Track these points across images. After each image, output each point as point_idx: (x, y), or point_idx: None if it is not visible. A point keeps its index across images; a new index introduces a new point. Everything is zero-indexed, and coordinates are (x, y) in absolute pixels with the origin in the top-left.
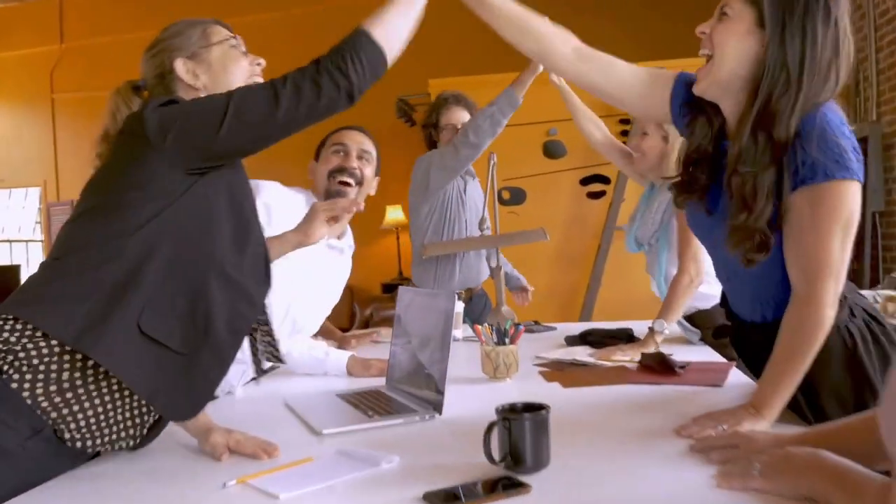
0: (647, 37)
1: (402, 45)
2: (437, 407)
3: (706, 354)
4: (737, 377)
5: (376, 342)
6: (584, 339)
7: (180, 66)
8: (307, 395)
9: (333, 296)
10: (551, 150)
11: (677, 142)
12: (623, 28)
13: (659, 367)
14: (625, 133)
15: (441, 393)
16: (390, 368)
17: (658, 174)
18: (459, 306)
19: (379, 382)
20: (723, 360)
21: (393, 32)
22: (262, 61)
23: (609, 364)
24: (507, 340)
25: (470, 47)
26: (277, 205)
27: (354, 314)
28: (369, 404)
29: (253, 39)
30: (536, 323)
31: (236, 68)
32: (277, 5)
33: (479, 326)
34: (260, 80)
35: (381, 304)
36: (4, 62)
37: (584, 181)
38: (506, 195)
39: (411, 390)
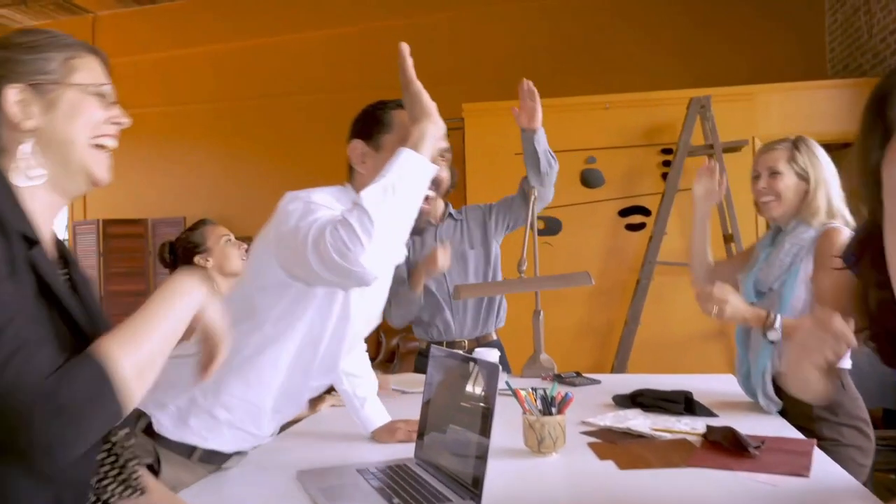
0: (697, 64)
1: (153, 374)
2: (476, 497)
3: (779, 426)
4: (822, 462)
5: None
6: (635, 400)
7: (12, 95)
8: (324, 470)
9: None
10: (589, 179)
11: (823, 180)
12: (674, 55)
13: (728, 445)
14: (667, 164)
15: (480, 485)
16: (420, 436)
17: (798, 218)
18: (494, 354)
19: (406, 449)
20: (797, 434)
21: (141, 364)
22: (127, 121)
23: (668, 436)
24: (553, 410)
25: (503, 72)
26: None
27: (380, 343)
28: (395, 487)
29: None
30: (578, 374)
31: (85, 122)
32: (314, 25)
33: (522, 392)
34: (111, 142)
35: (407, 334)
36: None
37: (623, 212)
38: (540, 225)
39: (444, 464)
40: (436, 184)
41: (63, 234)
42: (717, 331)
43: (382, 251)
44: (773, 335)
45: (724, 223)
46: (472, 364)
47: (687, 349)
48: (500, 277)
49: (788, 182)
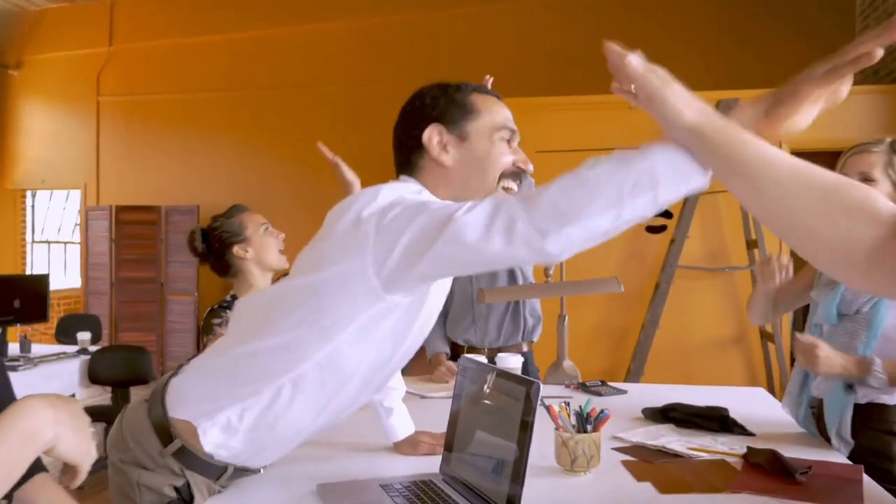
0: (723, 65)
1: None
2: None
3: (821, 450)
4: (872, 490)
5: None
6: (667, 414)
7: None
8: (345, 484)
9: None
10: None
11: None
12: (699, 55)
13: (771, 469)
14: None
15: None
16: (447, 449)
17: None
18: (518, 361)
19: (431, 461)
20: (844, 459)
21: None
22: None
23: (706, 456)
24: (588, 427)
25: (521, 69)
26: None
27: None
28: None
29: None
30: (604, 383)
31: None
32: (326, 17)
33: (555, 407)
34: None
35: None
36: (53, 62)
37: None
38: None
39: (473, 482)
40: (519, 177)
41: (76, 218)
42: (737, 337)
43: (581, 241)
44: (877, 382)
45: (747, 228)
46: (509, 378)
47: (705, 354)
48: (531, 280)
49: (883, 191)
